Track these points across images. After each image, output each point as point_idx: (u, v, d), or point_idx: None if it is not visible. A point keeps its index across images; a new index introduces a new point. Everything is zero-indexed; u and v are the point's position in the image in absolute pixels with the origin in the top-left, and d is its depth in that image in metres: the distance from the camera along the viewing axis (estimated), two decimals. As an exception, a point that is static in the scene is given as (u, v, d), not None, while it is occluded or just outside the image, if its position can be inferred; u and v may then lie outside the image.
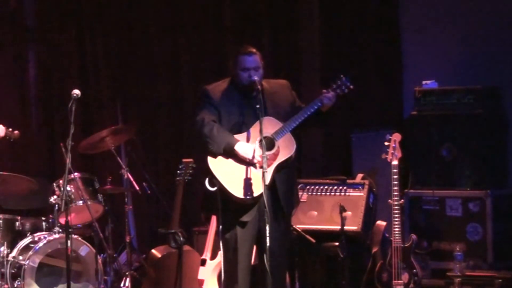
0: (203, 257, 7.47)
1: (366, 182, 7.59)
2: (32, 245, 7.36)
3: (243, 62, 6.18)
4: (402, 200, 7.09)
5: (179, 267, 7.23)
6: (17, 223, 7.57)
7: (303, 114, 6.15)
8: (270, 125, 6.12)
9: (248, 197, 6.05)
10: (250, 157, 6.06)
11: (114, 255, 8.07)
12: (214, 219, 7.33)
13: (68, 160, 6.37)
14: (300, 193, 7.57)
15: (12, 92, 9.24)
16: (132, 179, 8.17)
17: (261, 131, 5.98)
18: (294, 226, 7.22)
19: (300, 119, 6.14)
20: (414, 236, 7.06)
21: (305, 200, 7.64)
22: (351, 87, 6.26)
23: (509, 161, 8.01)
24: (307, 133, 7.80)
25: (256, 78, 6.12)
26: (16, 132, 7.33)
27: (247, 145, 6.10)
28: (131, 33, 9.28)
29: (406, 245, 7.01)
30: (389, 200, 6.97)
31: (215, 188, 6.09)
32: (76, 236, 7.45)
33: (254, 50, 6.22)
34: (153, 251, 7.52)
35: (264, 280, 6.06)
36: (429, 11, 8.41)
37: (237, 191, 6.06)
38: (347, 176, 7.79)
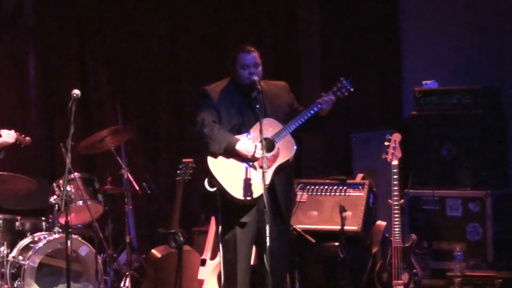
0: (203, 257, 7.46)
1: (366, 182, 7.59)
2: (32, 245, 7.35)
3: (243, 60, 6.16)
4: (402, 200, 7.08)
5: (179, 267, 7.23)
6: (17, 223, 7.56)
7: (303, 116, 6.13)
8: (271, 127, 6.11)
9: (247, 198, 6.04)
10: (252, 154, 6.05)
11: (114, 255, 8.08)
12: (214, 219, 7.32)
13: (68, 160, 6.36)
14: (300, 193, 7.59)
15: (12, 92, 9.23)
16: (132, 179, 8.18)
17: (261, 131, 5.97)
18: (294, 226, 7.22)
19: (300, 122, 6.12)
20: (414, 236, 7.06)
21: (305, 200, 7.64)
22: (351, 90, 6.24)
23: (509, 161, 8.01)
24: (305, 136, 7.80)
25: (256, 78, 6.11)
26: (27, 138, 7.27)
27: (248, 143, 6.08)
28: (131, 33, 9.28)
29: (406, 245, 7.00)
30: (389, 200, 6.97)
31: (214, 189, 6.09)
32: (76, 236, 7.44)
33: (252, 48, 6.21)
34: (153, 251, 7.51)
35: (264, 280, 6.05)
36: (429, 11, 8.42)
37: (237, 192, 6.05)
38: (347, 176, 7.78)
